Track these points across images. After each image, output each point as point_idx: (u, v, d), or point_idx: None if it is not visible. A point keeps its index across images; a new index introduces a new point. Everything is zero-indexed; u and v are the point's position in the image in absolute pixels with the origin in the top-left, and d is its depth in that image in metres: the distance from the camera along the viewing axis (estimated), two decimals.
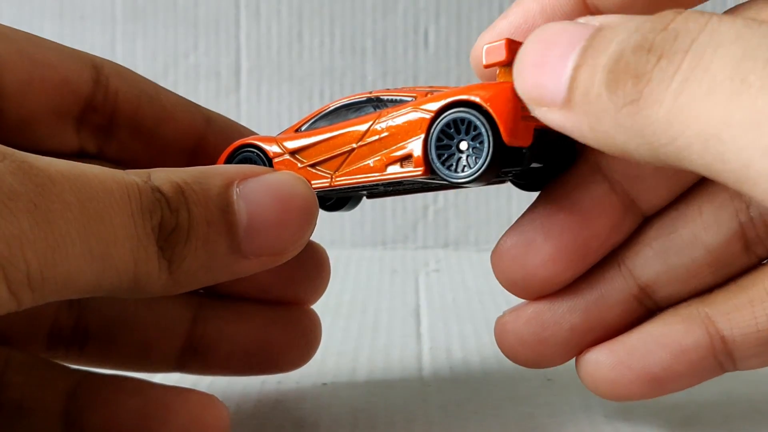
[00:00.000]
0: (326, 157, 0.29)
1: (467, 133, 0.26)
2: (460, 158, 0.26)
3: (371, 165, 0.28)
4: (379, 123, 0.28)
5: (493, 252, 0.29)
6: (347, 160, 0.28)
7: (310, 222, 0.26)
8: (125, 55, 0.62)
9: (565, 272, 0.29)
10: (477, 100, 0.25)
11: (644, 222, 0.29)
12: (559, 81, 0.23)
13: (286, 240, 0.26)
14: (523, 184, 0.30)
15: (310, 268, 0.34)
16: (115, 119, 0.31)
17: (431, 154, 0.26)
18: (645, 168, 0.28)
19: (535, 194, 0.30)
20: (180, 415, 0.29)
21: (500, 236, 0.29)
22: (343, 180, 0.28)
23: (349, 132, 0.28)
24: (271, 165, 0.30)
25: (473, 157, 0.26)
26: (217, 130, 0.33)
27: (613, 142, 0.22)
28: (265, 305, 0.34)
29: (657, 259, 0.29)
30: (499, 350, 0.30)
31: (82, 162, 0.24)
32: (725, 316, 0.27)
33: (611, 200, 0.28)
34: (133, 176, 0.24)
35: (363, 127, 0.28)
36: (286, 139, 0.30)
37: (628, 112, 0.21)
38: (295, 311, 0.34)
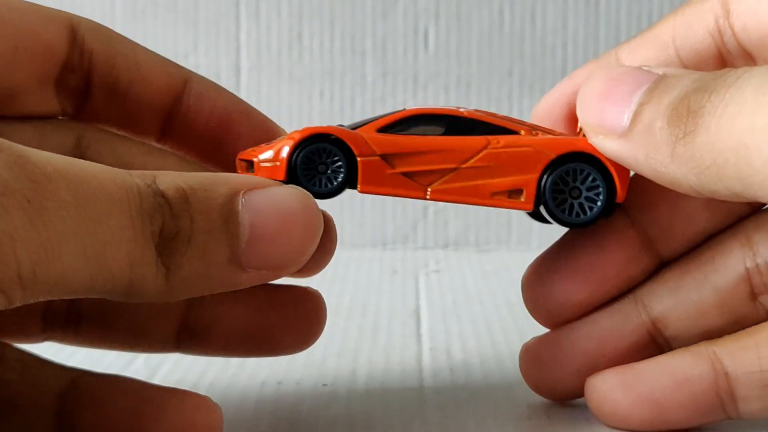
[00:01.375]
0: (424, 169, 0.29)
1: (583, 182, 0.29)
2: (572, 203, 0.29)
3: (475, 189, 0.29)
4: (491, 150, 0.29)
5: (522, 277, 0.33)
6: (447, 178, 0.29)
7: (314, 239, 0.26)
8: None
9: (583, 293, 0.31)
10: (604, 162, 0.28)
11: (661, 267, 0.32)
12: (622, 114, 0.26)
13: (288, 255, 0.26)
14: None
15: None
16: (90, 79, 0.31)
17: (547, 195, 0.29)
18: (662, 214, 0.31)
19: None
20: (173, 416, 0.29)
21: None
22: (439, 195, 0.29)
23: (454, 150, 0.29)
24: (354, 162, 0.29)
25: (586, 205, 0.29)
26: (196, 90, 0.32)
27: (666, 170, 0.25)
28: (264, 285, 0.33)
29: (669, 295, 0.31)
30: (532, 391, 0.33)
31: (74, 156, 0.23)
32: (731, 354, 0.29)
33: (629, 234, 0.31)
34: (137, 178, 0.24)
35: (471, 149, 0.29)
36: (372, 139, 0.29)
37: (684, 143, 0.24)
38: (296, 292, 0.33)
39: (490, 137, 0.29)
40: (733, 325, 0.30)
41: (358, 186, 0.29)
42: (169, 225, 0.23)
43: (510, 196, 0.29)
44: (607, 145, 0.27)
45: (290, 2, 0.64)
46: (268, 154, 0.29)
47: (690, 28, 0.30)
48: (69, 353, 0.34)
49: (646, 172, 0.26)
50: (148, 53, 0.32)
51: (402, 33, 0.64)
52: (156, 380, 0.35)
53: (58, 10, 0.31)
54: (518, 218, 0.63)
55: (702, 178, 0.24)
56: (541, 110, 0.32)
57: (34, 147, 0.23)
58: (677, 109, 0.25)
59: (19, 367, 0.29)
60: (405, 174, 0.29)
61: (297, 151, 0.28)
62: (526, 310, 0.33)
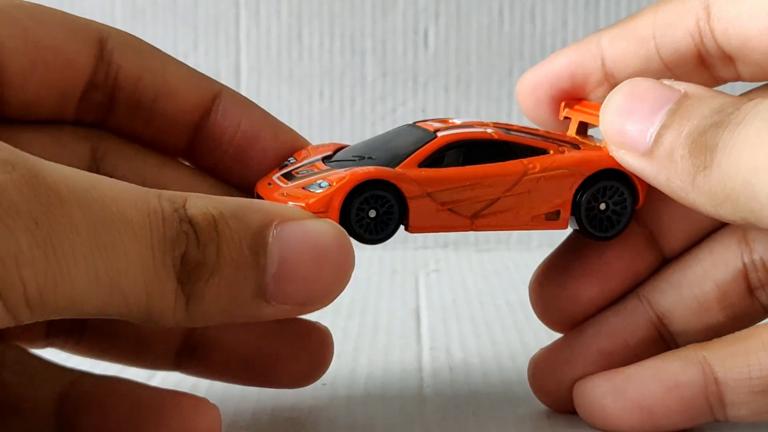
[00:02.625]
0: (468, 201, 0.29)
1: (611, 197, 0.30)
2: (601, 218, 0.30)
3: (516, 216, 0.29)
4: (530, 176, 0.29)
5: (531, 278, 0.33)
6: (490, 207, 0.29)
7: (345, 278, 0.25)
8: None
9: (592, 289, 0.32)
10: (633, 179, 0.30)
11: (663, 264, 0.32)
12: (645, 133, 0.27)
13: (316, 292, 0.24)
14: None
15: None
16: (115, 95, 0.30)
17: (582, 214, 0.30)
18: (664, 212, 0.32)
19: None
20: (172, 419, 0.29)
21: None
22: (484, 226, 0.29)
23: (494, 179, 0.29)
24: (405, 205, 0.28)
25: (614, 218, 0.30)
26: (225, 106, 0.31)
27: (686, 196, 0.27)
28: None
29: (672, 290, 0.31)
30: (531, 391, 0.33)
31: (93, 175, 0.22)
32: (721, 360, 0.29)
33: (635, 231, 0.32)
34: (164, 202, 0.23)
35: (510, 178, 0.29)
36: (417, 177, 0.28)
37: (704, 176, 0.26)
38: (303, 324, 0.33)
39: (524, 161, 0.29)
40: (734, 320, 0.31)
41: (409, 228, 0.29)
42: (192, 253, 0.23)
43: (547, 218, 0.30)
44: (629, 160, 0.28)
45: (290, 2, 0.64)
46: (313, 203, 0.27)
47: (670, 27, 0.30)
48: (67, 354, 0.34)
49: (667, 191, 0.28)
50: (179, 67, 0.31)
51: (402, 33, 0.64)
52: (156, 380, 0.35)
53: (88, 21, 0.30)
54: None
55: (719, 210, 0.26)
56: (522, 92, 0.33)
57: (49, 155, 0.22)
58: (697, 142, 0.26)
59: (19, 369, 0.29)
60: (450, 209, 0.29)
61: (350, 202, 0.27)
62: (532, 312, 0.33)
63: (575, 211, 0.30)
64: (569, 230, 0.32)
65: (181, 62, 0.32)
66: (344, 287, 0.25)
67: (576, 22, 0.63)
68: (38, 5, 0.29)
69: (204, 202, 0.23)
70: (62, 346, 0.32)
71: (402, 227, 0.29)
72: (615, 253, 0.32)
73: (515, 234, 0.63)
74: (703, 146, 0.26)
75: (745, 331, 0.30)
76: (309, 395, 0.35)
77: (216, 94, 0.32)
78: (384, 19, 0.64)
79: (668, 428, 0.30)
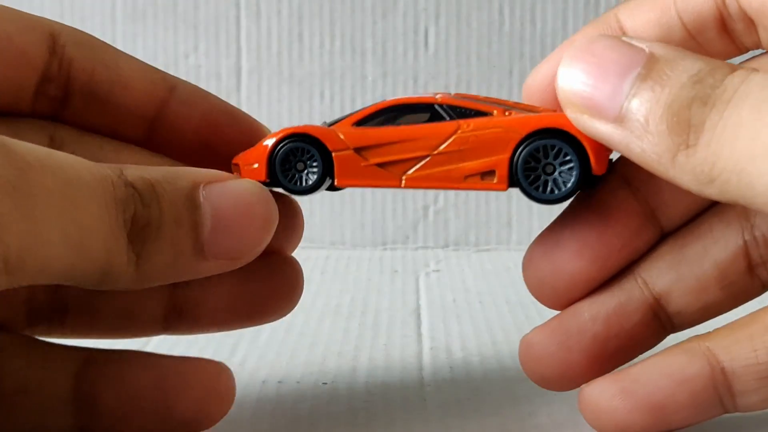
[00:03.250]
0: (397, 159, 0.29)
1: (555, 157, 0.28)
2: (546, 180, 0.28)
3: (448, 174, 0.29)
4: (460, 134, 0.29)
5: (525, 254, 0.32)
6: (421, 166, 0.29)
7: (269, 230, 0.27)
8: None
9: (590, 268, 0.30)
10: (576, 136, 0.28)
11: (660, 240, 0.31)
12: (613, 99, 0.25)
13: (245, 245, 0.27)
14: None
15: (284, 217, 0.34)
16: (69, 88, 0.31)
17: (518, 173, 0.28)
18: (664, 183, 0.30)
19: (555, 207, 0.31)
20: (195, 386, 0.30)
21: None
22: (413, 183, 0.29)
23: (424, 138, 0.29)
24: (329, 158, 0.29)
25: (560, 180, 0.28)
26: (181, 98, 0.32)
27: (665, 171, 0.25)
28: None
29: (669, 269, 0.31)
30: (523, 370, 0.32)
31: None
32: (726, 349, 0.29)
33: (633, 205, 0.31)
34: (108, 169, 0.24)
35: (441, 135, 0.29)
36: (346, 133, 0.30)
37: (687, 154, 0.24)
38: (276, 261, 0.34)
39: (460, 121, 0.29)
40: (733, 299, 0.30)
41: (336, 180, 0.30)
42: (140, 214, 0.24)
43: (483, 178, 0.29)
44: (594, 126, 0.26)
45: (290, 3, 0.64)
46: (250, 158, 0.30)
47: None
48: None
49: (639, 161, 0.26)
50: (132, 61, 0.32)
51: (402, 33, 0.64)
52: (150, 347, 0.35)
53: (39, 17, 0.31)
54: (518, 218, 0.63)
55: (703, 188, 0.25)
56: (531, 86, 0.31)
57: None
58: (678, 117, 0.25)
59: (23, 353, 0.29)
60: (379, 165, 0.29)
61: (275, 152, 0.30)
62: (532, 312, 0.33)
63: (513, 171, 0.29)
64: (563, 205, 0.31)
65: (134, 57, 0.32)
66: (270, 238, 0.27)
67: (576, 22, 0.63)
68: None
69: (138, 170, 0.25)
70: (47, 332, 0.32)
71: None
72: (614, 230, 0.30)
73: (515, 234, 0.63)
74: (686, 123, 0.24)
75: (746, 317, 0.29)
76: (310, 394, 0.35)
77: (172, 86, 0.32)
78: (384, 20, 0.64)
79: (680, 425, 0.29)
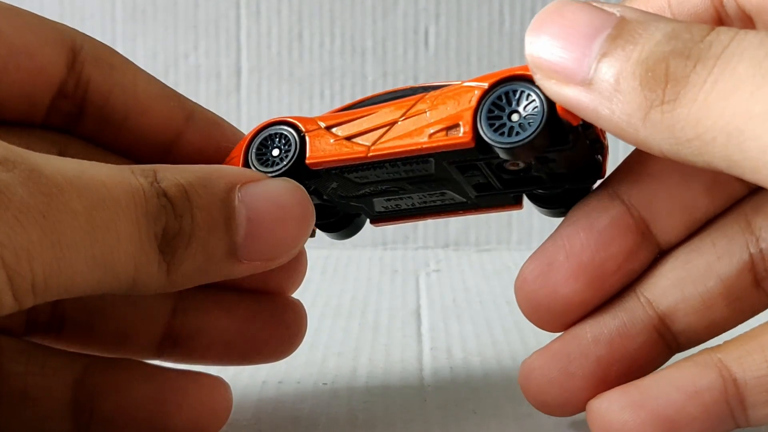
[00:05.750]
0: (364, 129, 0.29)
1: (518, 103, 0.27)
2: (512, 126, 0.26)
3: (411, 135, 0.28)
4: (425, 100, 0.28)
5: (518, 277, 0.30)
6: (387, 133, 0.28)
7: (306, 231, 0.27)
8: (125, 55, 0.61)
9: (585, 291, 0.29)
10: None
11: (660, 257, 0.30)
12: (581, 62, 0.24)
13: (282, 247, 0.26)
14: (544, 204, 0.31)
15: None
16: (84, 107, 0.31)
17: (482, 121, 0.27)
18: (658, 194, 0.29)
19: (555, 220, 0.30)
20: (193, 400, 0.30)
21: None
22: (381, 151, 0.28)
23: (391, 109, 0.28)
24: (303, 138, 0.29)
25: (526, 123, 0.26)
26: (197, 127, 0.32)
27: (635, 132, 0.24)
28: (247, 295, 0.33)
29: (674, 288, 0.29)
30: (522, 392, 0.31)
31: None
32: (737, 360, 0.28)
33: (627, 223, 0.29)
34: (141, 177, 0.24)
35: (408, 104, 0.28)
36: (324, 119, 0.30)
37: (662, 110, 0.23)
38: (278, 302, 0.33)
39: (427, 93, 0.28)
40: (739, 314, 0.30)
41: (306, 159, 0.29)
42: (171, 225, 0.24)
43: (448, 132, 0.27)
44: (563, 91, 0.25)
45: (290, 2, 0.64)
46: (232, 153, 0.30)
47: None
48: None
49: (608, 127, 0.25)
50: (151, 84, 0.32)
51: (402, 33, 0.64)
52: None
53: (63, 27, 0.30)
54: (519, 218, 0.63)
55: (679, 149, 0.23)
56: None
57: None
58: (653, 71, 0.23)
59: (24, 358, 0.29)
60: (347, 138, 0.29)
61: (252, 141, 0.30)
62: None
63: (477, 122, 0.27)
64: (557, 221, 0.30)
65: (155, 78, 0.32)
66: (306, 239, 0.27)
67: None
68: (13, 7, 0.29)
69: (172, 173, 0.25)
70: (42, 342, 0.32)
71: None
72: (609, 251, 0.29)
73: (515, 234, 0.63)
74: (663, 77, 0.23)
75: (756, 329, 0.28)
76: (310, 394, 0.35)
77: (189, 114, 0.32)
78: (384, 19, 0.64)
79: None
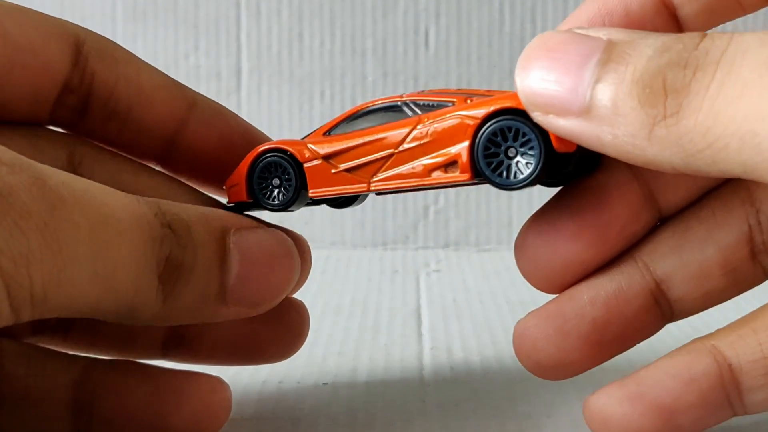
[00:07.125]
0: (363, 161, 0.29)
1: (515, 140, 0.26)
2: (510, 165, 0.26)
3: (413, 170, 0.28)
4: (420, 128, 0.28)
5: (518, 235, 0.30)
6: (386, 165, 0.28)
7: (292, 280, 0.28)
8: None
9: (586, 251, 0.29)
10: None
11: (661, 224, 0.30)
12: (575, 91, 0.24)
13: (267, 293, 0.27)
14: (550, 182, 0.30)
15: None
16: (89, 101, 0.31)
17: (479, 161, 0.27)
18: None
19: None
20: (192, 400, 0.30)
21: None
22: (381, 185, 0.28)
23: (387, 137, 0.28)
24: (301, 170, 0.29)
25: (524, 163, 0.26)
26: (201, 116, 0.32)
27: (641, 153, 0.23)
28: None
29: (671, 254, 0.29)
30: (518, 360, 0.30)
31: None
32: (731, 345, 0.28)
33: (632, 187, 0.29)
34: (144, 206, 0.24)
35: (402, 132, 0.28)
36: (316, 143, 0.29)
37: (666, 125, 0.22)
38: (282, 303, 0.34)
39: (422, 116, 0.28)
40: (735, 286, 0.29)
41: (309, 192, 0.29)
42: (176, 254, 0.24)
43: (446, 170, 0.27)
44: (560, 124, 0.25)
45: (290, 2, 0.64)
46: (234, 179, 0.31)
47: None
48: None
49: (613, 152, 0.24)
50: (154, 76, 0.32)
51: (402, 33, 0.64)
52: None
53: (65, 23, 0.30)
54: (519, 218, 0.63)
55: (690, 161, 0.23)
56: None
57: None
58: (651, 87, 0.23)
59: (24, 361, 0.29)
60: (347, 170, 0.29)
61: (253, 169, 0.30)
62: (528, 295, 0.31)
63: (475, 160, 0.27)
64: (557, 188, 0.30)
65: (156, 69, 0.32)
66: (290, 289, 0.28)
67: None
68: (16, 5, 0.29)
69: (175, 209, 0.25)
70: (49, 342, 0.32)
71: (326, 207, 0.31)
72: (613, 212, 0.29)
73: (516, 234, 0.63)
74: (661, 90, 0.22)
75: (748, 315, 0.29)
76: (310, 394, 0.35)
77: (191, 103, 0.32)
78: (385, 20, 0.64)
79: (689, 428, 0.29)
